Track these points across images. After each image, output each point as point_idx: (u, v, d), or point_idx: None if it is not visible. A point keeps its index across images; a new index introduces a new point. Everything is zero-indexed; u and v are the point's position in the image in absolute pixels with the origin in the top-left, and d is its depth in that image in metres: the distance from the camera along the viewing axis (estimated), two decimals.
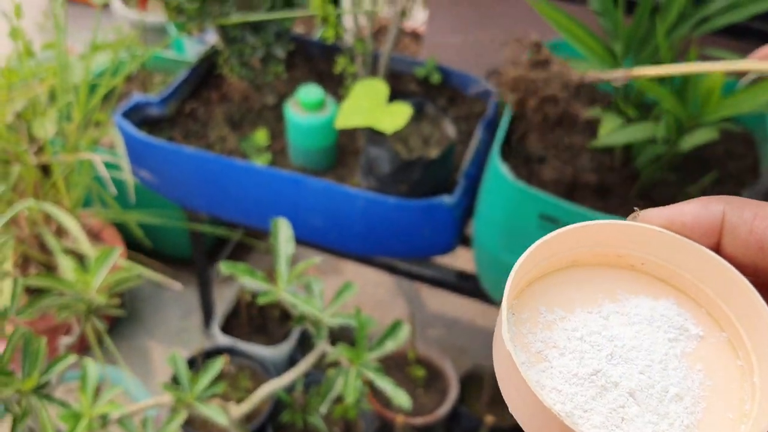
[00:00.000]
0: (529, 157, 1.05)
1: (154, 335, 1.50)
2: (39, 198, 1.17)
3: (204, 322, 1.50)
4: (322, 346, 0.85)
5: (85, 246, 1.01)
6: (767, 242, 0.25)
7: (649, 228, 0.28)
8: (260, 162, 1.12)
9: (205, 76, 1.27)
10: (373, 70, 1.14)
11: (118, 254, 0.92)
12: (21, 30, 1.28)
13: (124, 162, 1.09)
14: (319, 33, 1.76)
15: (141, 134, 1.10)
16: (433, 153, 1.01)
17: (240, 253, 1.66)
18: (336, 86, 1.29)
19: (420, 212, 1.03)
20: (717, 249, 0.27)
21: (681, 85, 0.86)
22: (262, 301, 0.79)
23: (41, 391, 0.76)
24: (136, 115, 1.17)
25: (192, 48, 1.63)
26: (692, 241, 0.27)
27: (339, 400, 1.29)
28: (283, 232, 0.85)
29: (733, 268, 0.26)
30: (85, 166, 1.22)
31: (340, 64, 1.07)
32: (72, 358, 0.79)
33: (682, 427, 0.25)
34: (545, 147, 1.07)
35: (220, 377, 1.23)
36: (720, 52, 0.91)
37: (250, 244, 1.67)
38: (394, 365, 1.35)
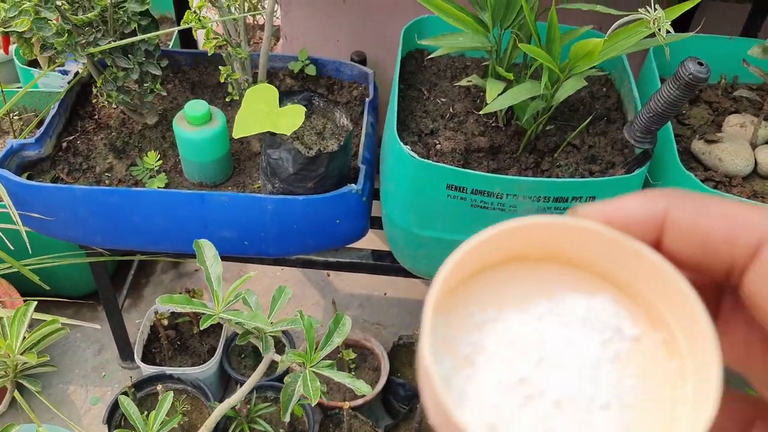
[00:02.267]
0: (421, 132, 1.10)
1: (71, 380, 1.44)
2: None
3: (120, 355, 1.46)
4: (270, 355, 0.86)
5: None
6: (710, 240, 0.24)
7: (588, 225, 0.26)
8: (156, 185, 1.10)
9: (74, 106, 1.22)
10: (253, 73, 1.14)
11: (32, 309, 0.88)
12: None
13: (12, 212, 1.04)
14: (172, 43, 1.72)
15: (23, 180, 1.05)
16: (333, 145, 1.04)
17: (140, 275, 1.61)
18: (213, 94, 1.27)
19: (330, 205, 1.05)
20: (658, 246, 0.26)
21: (546, 47, 0.93)
22: (204, 324, 0.79)
23: None
24: (12, 161, 1.11)
25: (51, 78, 1.54)
26: (632, 239, 0.26)
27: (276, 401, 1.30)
28: (208, 252, 0.85)
29: (672, 268, 0.25)
30: None
31: (224, 72, 1.06)
32: None
33: None
34: (433, 119, 1.12)
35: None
36: (576, 4, 0.99)
37: (148, 264, 1.62)
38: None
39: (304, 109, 0.98)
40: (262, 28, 2.11)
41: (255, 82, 1.14)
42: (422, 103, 1.16)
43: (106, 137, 1.19)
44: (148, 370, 1.30)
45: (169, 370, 1.28)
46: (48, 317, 0.98)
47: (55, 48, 0.94)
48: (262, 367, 0.88)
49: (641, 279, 0.26)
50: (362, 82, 1.32)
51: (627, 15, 0.83)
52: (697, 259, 0.25)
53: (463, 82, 1.12)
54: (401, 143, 0.97)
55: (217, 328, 1.41)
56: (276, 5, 1.05)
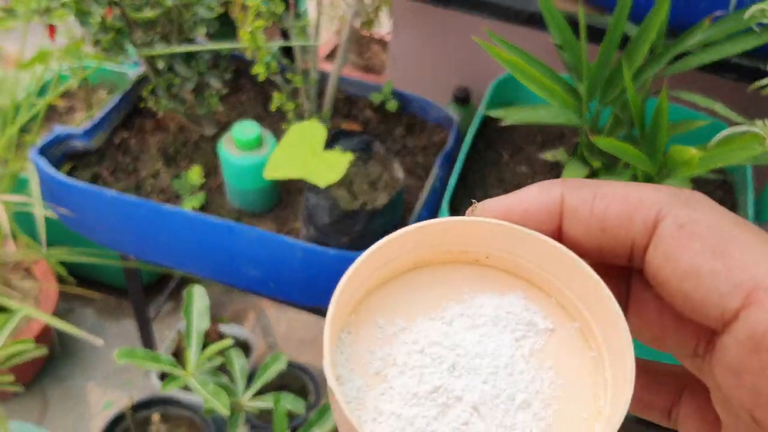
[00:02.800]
0: (488, 197, 0.95)
1: (91, 376, 1.40)
2: None
3: None
4: None
5: None
6: (609, 222, 0.24)
7: (488, 221, 0.26)
8: (192, 204, 1.02)
9: (139, 101, 1.16)
10: (320, 97, 1.04)
11: (15, 320, 0.81)
12: None
13: (37, 202, 0.98)
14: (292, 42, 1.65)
15: (57, 174, 0.99)
16: (380, 201, 0.91)
17: (184, 287, 1.55)
18: (284, 114, 1.18)
19: None
20: (559, 234, 0.25)
21: (649, 137, 0.76)
22: (166, 388, 0.69)
23: None
24: (59, 149, 1.06)
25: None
26: (532, 231, 0.25)
27: None
28: (198, 303, 0.74)
29: (574, 256, 0.25)
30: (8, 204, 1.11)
31: (277, 100, 0.96)
32: None
33: None
34: (504, 189, 0.97)
35: None
36: (692, 95, 0.81)
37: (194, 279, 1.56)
38: None
39: (349, 158, 0.86)
40: (378, 42, 2.01)
41: (320, 110, 1.03)
42: (499, 168, 1.01)
43: (161, 141, 1.12)
44: (160, 391, 1.22)
45: (180, 393, 1.20)
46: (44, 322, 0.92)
47: (103, 46, 0.87)
48: None
49: (548, 270, 0.26)
50: (447, 127, 1.18)
51: (742, 124, 0.65)
52: (598, 243, 0.25)
53: (548, 156, 0.96)
54: (447, 214, 0.83)
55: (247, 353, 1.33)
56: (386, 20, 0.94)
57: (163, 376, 1.27)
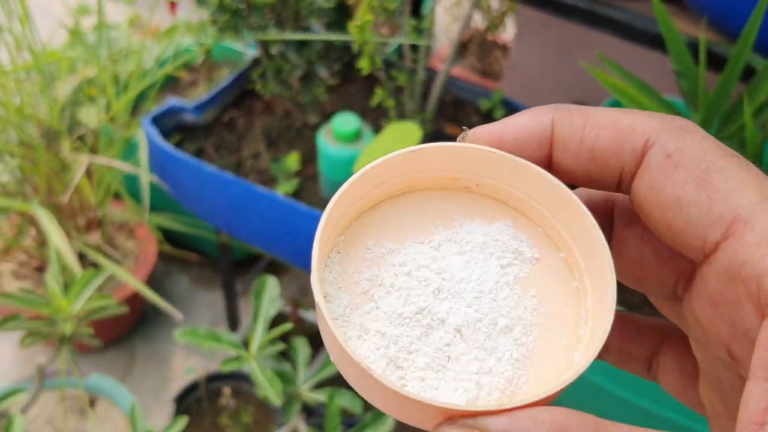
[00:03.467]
0: None
1: (177, 341, 1.45)
2: (56, 192, 1.13)
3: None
4: (295, 423, 0.75)
5: (71, 262, 0.95)
6: (598, 151, 0.24)
7: (479, 148, 0.26)
8: (286, 189, 1.03)
9: (252, 84, 1.19)
10: (425, 97, 1.02)
11: (101, 279, 0.85)
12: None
13: (144, 168, 1.03)
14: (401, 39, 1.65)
15: (164, 144, 1.03)
16: None
17: (275, 269, 1.58)
18: (384, 114, 1.17)
19: None
20: (550, 161, 0.25)
21: None
22: (225, 367, 0.70)
23: None
24: (171, 120, 1.11)
25: None
26: (522, 159, 0.25)
27: None
28: (269, 292, 0.75)
29: (563, 186, 0.25)
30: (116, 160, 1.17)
31: (378, 96, 0.96)
32: (17, 394, 0.73)
33: (511, 360, 0.24)
34: None
35: (220, 410, 1.16)
36: None
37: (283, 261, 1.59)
38: None
39: None
40: (501, 48, 1.97)
41: (423, 110, 1.02)
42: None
43: (267, 123, 1.14)
44: None
45: None
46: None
47: (219, 26, 0.89)
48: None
49: (537, 199, 0.26)
50: None
51: None
52: (588, 171, 0.24)
53: None
54: None
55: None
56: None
57: None
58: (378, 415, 0.73)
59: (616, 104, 0.98)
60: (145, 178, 1.03)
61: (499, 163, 0.26)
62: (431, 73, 1.04)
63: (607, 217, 0.27)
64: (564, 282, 0.26)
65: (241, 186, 0.99)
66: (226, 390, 1.10)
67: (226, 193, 1.01)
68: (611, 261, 0.24)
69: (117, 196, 1.38)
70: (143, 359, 1.42)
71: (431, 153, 0.26)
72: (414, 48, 0.97)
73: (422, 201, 0.28)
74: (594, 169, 0.24)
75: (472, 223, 0.27)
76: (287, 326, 0.71)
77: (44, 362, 0.87)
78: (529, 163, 0.25)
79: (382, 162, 0.26)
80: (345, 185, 0.25)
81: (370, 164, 0.25)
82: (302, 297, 1.43)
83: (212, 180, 1.01)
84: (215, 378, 1.19)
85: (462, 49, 1.88)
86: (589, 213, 0.25)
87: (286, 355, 0.81)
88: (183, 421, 0.77)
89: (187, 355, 1.44)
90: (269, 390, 0.67)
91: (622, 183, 0.24)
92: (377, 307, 0.25)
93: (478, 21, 1.84)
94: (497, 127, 0.26)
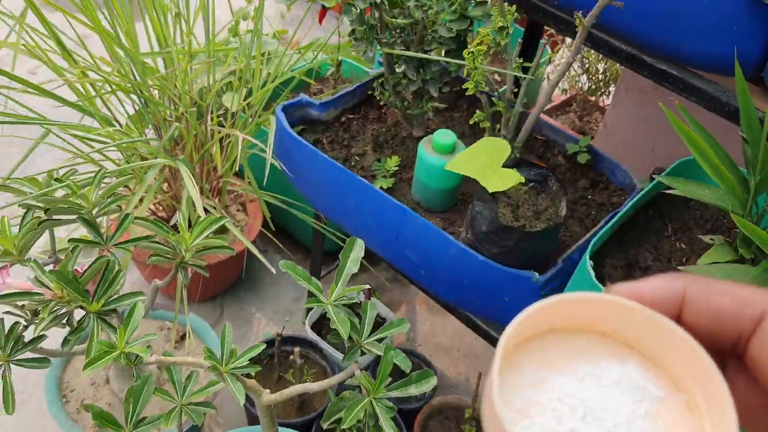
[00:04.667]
0: (633, 263, 1.01)
1: (262, 308, 1.62)
2: (193, 158, 1.33)
3: (306, 313, 1.60)
4: (353, 368, 0.89)
5: (199, 206, 1.13)
6: (722, 314, 0.30)
7: (620, 301, 0.31)
8: (382, 184, 1.18)
9: (371, 94, 1.36)
10: (516, 130, 1.16)
11: (219, 224, 1.02)
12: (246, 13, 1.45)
13: (269, 149, 1.21)
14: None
15: (290, 129, 1.21)
16: (535, 227, 1.01)
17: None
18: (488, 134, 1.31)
19: (504, 280, 1.03)
20: (678, 318, 0.31)
21: None
22: (308, 304, 0.85)
23: (102, 315, 0.88)
24: (298, 111, 1.29)
25: None
26: (656, 313, 0.31)
27: None
28: (355, 252, 0.90)
29: (690, 337, 0.30)
30: (246, 143, 1.36)
31: (477, 116, 1.10)
32: (138, 296, 0.90)
33: None
34: (656, 258, 1.02)
35: (287, 366, 1.31)
36: None
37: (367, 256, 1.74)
38: (453, 417, 1.35)
39: (521, 179, 0.97)
40: (601, 110, 2.08)
41: (514, 139, 1.15)
42: (659, 238, 1.06)
43: (377, 129, 1.30)
44: (310, 335, 1.40)
45: (322, 343, 1.37)
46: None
47: (356, 35, 1.07)
48: (343, 374, 0.91)
49: (664, 346, 0.31)
50: (629, 192, 1.24)
51: None
52: (711, 329, 0.30)
53: (706, 238, 1.00)
54: (590, 268, 0.90)
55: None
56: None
57: (315, 325, 1.45)
58: (424, 373, 0.86)
59: (691, 163, 1.08)
60: (268, 157, 1.21)
61: (635, 314, 0.32)
62: (528, 110, 1.17)
63: (719, 362, 0.31)
64: (686, 420, 0.31)
65: (345, 174, 1.15)
66: (296, 350, 1.25)
67: (332, 179, 1.18)
68: (734, 408, 0.28)
69: (239, 175, 1.58)
70: (230, 316, 1.60)
71: (579, 301, 0.32)
72: (517, 83, 1.11)
73: (566, 340, 0.33)
74: (717, 329, 0.30)
75: (608, 363, 0.32)
76: (364, 286, 0.85)
77: (160, 283, 1.05)
78: (663, 316, 0.31)
79: (541, 307, 0.32)
80: (515, 320, 0.31)
81: (534, 306, 0.31)
82: (377, 290, 1.57)
83: (322, 166, 1.18)
84: (288, 340, 1.35)
85: (565, 106, 2.00)
86: (714, 364, 0.29)
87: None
88: (255, 368, 0.91)
89: (267, 322, 1.61)
90: (340, 327, 0.82)
91: (740, 342, 0.30)
92: (534, 423, 0.30)
93: (584, 82, 1.96)
94: (636, 285, 0.32)
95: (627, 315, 0.32)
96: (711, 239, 1.00)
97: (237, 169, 1.46)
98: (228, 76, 1.43)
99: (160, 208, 1.49)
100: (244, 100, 1.44)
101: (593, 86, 1.89)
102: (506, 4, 1.04)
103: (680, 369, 0.31)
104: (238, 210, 1.61)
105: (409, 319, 1.67)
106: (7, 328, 0.90)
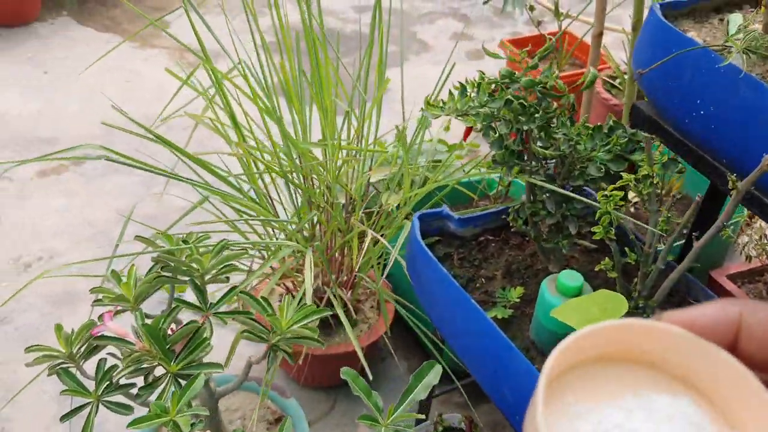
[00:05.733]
0: None
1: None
2: (332, 245, 1.36)
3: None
4: None
5: (308, 295, 1.14)
6: None
7: (671, 329, 0.30)
8: (496, 313, 1.12)
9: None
10: (653, 287, 1.05)
11: (319, 315, 1.02)
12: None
13: (395, 251, 1.20)
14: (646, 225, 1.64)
15: (419, 237, 1.20)
16: None
17: (476, 390, 1.64)
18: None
19: None
20: (734, 347, 0.29)
21: None
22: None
23: (180, 377, 0.90)
24: (436, 221, 1.28)
25: None
26: (709, 342, 0.29)
27: None
28: (429, 377, 0.86)
29: (746, 370, 0.28)
30: (381, 245, 1.37)
31: (603, 265, 1.01)
32: (216, 368, 0.92)
33: None
34: None
35: None
36: None
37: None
38: None
39: None
40: None
41: (650, 297, 1.04)
42: None
43: (512, 256, 1.25)
44: None
45: None
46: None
47: (495, 158, 1.04)
48: None
49: (718, 379, 0.29)
50: None
51: None
52: None
53: None
54: None
55: None
56: None
57: None
58: None
59: None
60: (392, 257, 1.20)
61: (687, 344, 0.30)
62: (672, 265, 1.06)
63: None
64: None
65: (459, 293, 1.11)
66: None
67: (446, 296, 1.14)
68: None
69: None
70: (339, 412, 1.58)
71: (629, 327, 0.31)
72: (660, 237, 1.01)
73: (614, 370, 0.32)
74: None
75: (658, 395, 0.31)
76: (419, 416, 0.80)
77: (254, 360, 1.07)
78: (717, 346, 0.29)
79: (588, 332, 0.31)
80: (560, 346, 0.30)
81: (582, 331, 0.30)
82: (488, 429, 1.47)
83: (440, 279, 1.15)
84: None
85: (755, 274, 1.79)
86: None
87: None
88: None
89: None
90: None
91: None
92: None
93: None
94: (689, 313, 0.30)
95: (677, 344, 0.30)
96: None
97: (375, 265, 1.47)
98: (386, 176, 1.47)
99: (293, 286, 1.54)
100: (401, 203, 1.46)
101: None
102: (659, 151, 0.96)
103: (735, 404, 0.29)
104: (371, 307, 1.61)
105: None
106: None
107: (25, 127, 2.52)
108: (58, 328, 0.97)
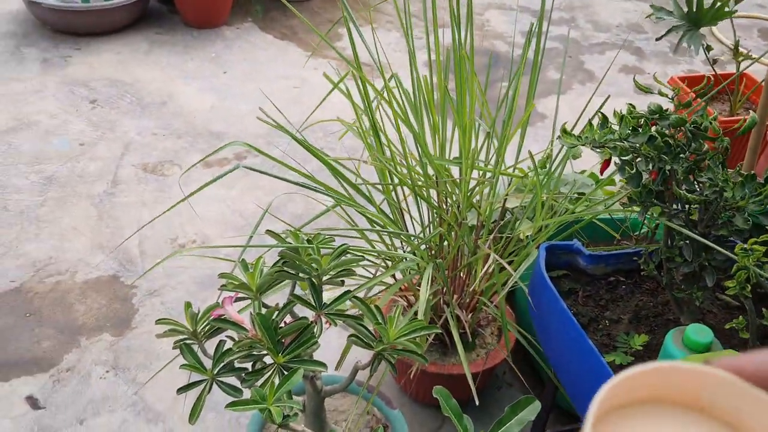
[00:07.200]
0: None
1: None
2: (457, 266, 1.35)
3: None
4: None
5: (420, 311, 1.14)
6: None
7: (719, 373, 0.30)
8: (615, 359, 1.06)
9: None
10: None
11: (426, 331, 1.02)
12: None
13: (513, 278, 1.18)
14: None
15: (542, 266, 1.16)
16: None
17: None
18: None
19: None
20: None
21: None
22: None
23: (285, 368, 0.93)
24: (565, 255, 1.24)
25: None
26: (758, 390, 0.29)
27: None
28: (525, 413, 0.83)
29: None
30: (505, 273, 1.34)
31: (735, 323, 0.93)
32: (319, 367, 0.94)
33: None
34: None
35: None
36: None
37: None
38: None
39: None
40: None
41: None
42: None
43: (643, 302, 1.18)
44: None
45: None
46: None
47: (631, 196, 0.99)
48: None
49: (765, 426, 0.29)
50: None
51: None
52: None
53: None
54: None
55: None
56: None
57: None
58: None
59: None
60: (509, 283, 1.17)
61: (736, 390, 0.30)
62: None
63: None
64: None
65: (577, 332, 1.06)
66: None
67: (564, 334, 1.09)
68: None
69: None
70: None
71: (679, 371, 0.32)
72: None
73: (663, 413, 0.32)
74: None
75: None
76: None
77: (361, 365, 1.08)
78: (764, 393, 0.29)
79: (638, 373, 0.31)
80: (607, 387, 0.31)
81: (631, 370, 0.31)
82: None
83: (560, 315, 1.10)
84: None
85: None
86: None
87: None
88: None
89: None
90: None
91: None
92: None
93: None
94: (737, 359, 0.30)
95: (725, 390, 0.30)
96: None
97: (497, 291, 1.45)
98: (524, 203, 1.44)
99: (415, 300, 1.54)
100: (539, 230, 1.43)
101: None
102: None
103: None
104: (492, 333, 1.58)
105: None
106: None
107: (200, 119, 2.73)
108: (187, 305, 1.04)
